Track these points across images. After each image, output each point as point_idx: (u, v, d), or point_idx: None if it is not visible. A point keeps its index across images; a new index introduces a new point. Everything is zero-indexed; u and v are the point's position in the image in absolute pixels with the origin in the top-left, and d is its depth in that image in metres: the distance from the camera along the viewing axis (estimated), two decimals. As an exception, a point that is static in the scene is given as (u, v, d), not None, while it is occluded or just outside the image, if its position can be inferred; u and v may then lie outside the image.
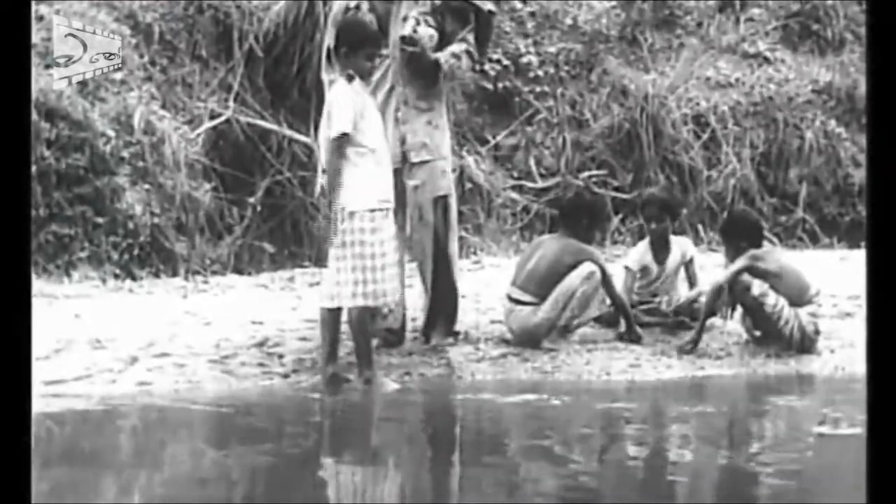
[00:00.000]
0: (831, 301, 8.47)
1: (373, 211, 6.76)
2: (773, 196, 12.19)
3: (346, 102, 6.74)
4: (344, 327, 6.98)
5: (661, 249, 8.16)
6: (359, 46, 6.82)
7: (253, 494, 5.15)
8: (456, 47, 7.38)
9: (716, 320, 7.96)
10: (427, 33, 7.27)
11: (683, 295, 8.12)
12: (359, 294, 6.76)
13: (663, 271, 8.15)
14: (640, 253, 8.22)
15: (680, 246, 8.27)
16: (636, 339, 7.76)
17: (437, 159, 7.38)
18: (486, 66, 7.49)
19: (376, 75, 7.31)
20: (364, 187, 6.75)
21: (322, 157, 6.95)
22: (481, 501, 5.06)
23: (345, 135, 6.70)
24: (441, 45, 7.36)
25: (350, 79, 6.81)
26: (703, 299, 7.86)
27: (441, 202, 7.38)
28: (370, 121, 6.83)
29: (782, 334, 7.65)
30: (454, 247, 7.51)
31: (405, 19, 7.32)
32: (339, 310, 6.88)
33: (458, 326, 7.67)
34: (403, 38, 7.23)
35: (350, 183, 6.73)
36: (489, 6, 7.61)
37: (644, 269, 8.13)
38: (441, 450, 6.21)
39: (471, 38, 7.46)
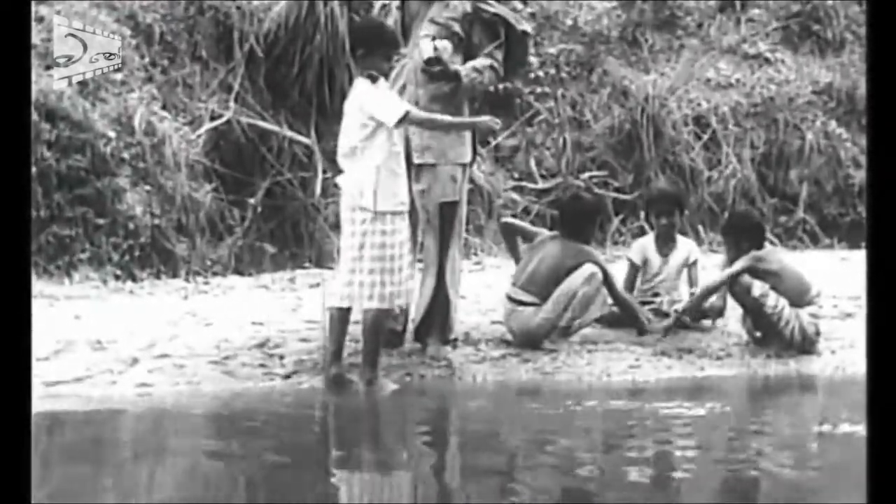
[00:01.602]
0: (832, 302, 8.47)
1: (395, 214, 6.78)
2: (773, 197, 12.19)
3: (386, 93, 6.76)
4: (348, 328, 6.98)
5: (666, 243, 8.17)
6: (376, 48, 6.82)
7: (254, 495, 5.15)
8: (479, 62, 7.29)
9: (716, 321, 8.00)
10: (443, 46, 7.19)
11: (684, 296, 8.12)
12: (375, 296, 6.76)
13: (665, 265, 8.15)
14: (642, 245, 8.24)
15: (686, 246, 8.28)
16: (645, 331, 7.78)
17: (444, 164, 7.30)
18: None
19: (391, 73, 7.29)
20: (392, 189, 6.76)
21: (351, 157, 6.85)
22: (482, 502, 5.05)
23: (408, 112, 6.72)
24: (466, 54, 7.31)
25: (373, 79, 6.80)
26: (713, 299, 7.90)
27: (447, 208, 7.33)
28: None
29: (783, 335, 7.65)
30: (456, 253, 7.45)
31: (429, 28, 7.26)
32: (348, 310, 6.88)
33: (460, 328, 7.66)
34: (429, 61, 7.16)
35: (380, 185, 6.73)
36: (524, 27, 7.53)
37: (646, 262, 8.14)
38: (442, 450, 6.21)
39: (498, 54, 7.34)
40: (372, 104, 6.74)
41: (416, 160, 7.27)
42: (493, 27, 7.37)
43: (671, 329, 7.80)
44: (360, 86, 6.84)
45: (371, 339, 6.88)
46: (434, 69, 7.17)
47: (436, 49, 7.15)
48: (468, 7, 7.34)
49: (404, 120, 6.71)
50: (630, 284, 8.10)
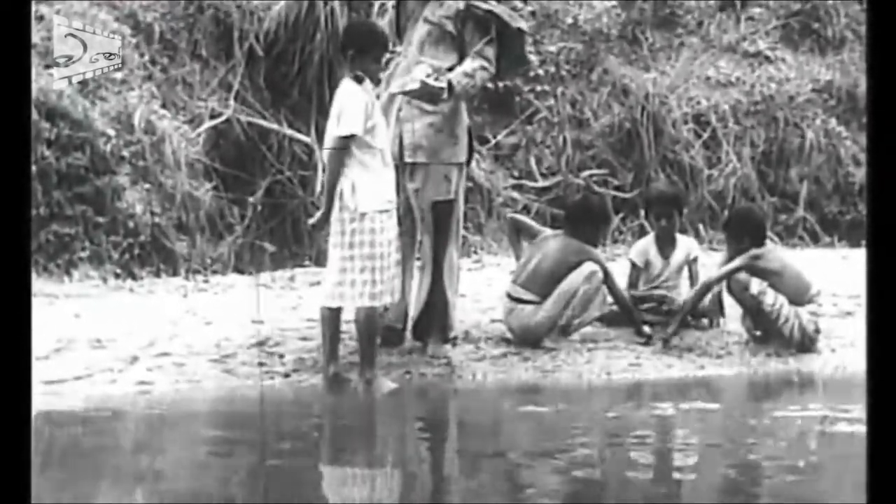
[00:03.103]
0: (832, 300, 8.47)
1: (381, 212, 6.77)
2: (773, 195, 12.19)
3: (358, 103, 6.73)
4: (344, 326, 6.98)
5: (666, 244, 8.15)
6: (367, 49, 6.81)
7: (253, 494, 5.15)
8: (469, 65, 7.23)
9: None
10: (422, 71, 7.14)
11: (684, 294, 8.11)
12: (366, 294, 6.77)
13: (667, 266, 8.14)
14: (643, 247, 8.21)
15: (686, 244, 8.26)
16: (645, 339, 7.76)
17: (436, 163, 7.27)
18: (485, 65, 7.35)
19: (386, 71, 7.27)
20: (374, 188, 6.76)
21: (324, 154, 6.94)
22: (482, 502, 5.05)
23: (352, 136, 6.70)
24: (459, 52, 7.28)
25: (359, 80, 6.80)
26: (705, 301, 7.88)
27: (442, 208, 7.31)
28: (378, 121, 6.84)
29: (782, 333, 7.65)
30: (453, 253, 7.44)
31: (422, 29, 7.25)
32: (339, 309, 6.89)
33: (460, 326, 7.65)
34: (448, 88, 7.12)
35: (361, 184, 6.73)
36: (519, 24, 7.46)
37: (648, 264, 8.13)
38: (441, 449, 6.21)
39: (489, 51, 7.29)
40: (340, 107, 6.76)
41: (407, 158, 7.25)
42: (484, 24, 7.32)
43: (676, 330, 7.77)
44: (344, 86, 6.85)
45: (367, 337, 6.88)
46: (422, 97, 7.13)
47: (436, 78, 7.06)
48: (461, 5, 7.31)
49: (347, 139, 6.70)
50: (634, 286, 8.08)
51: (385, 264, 6.78)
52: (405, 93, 7.11)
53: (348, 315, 6.96)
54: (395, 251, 6.90)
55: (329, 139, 6.83)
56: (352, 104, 6.74)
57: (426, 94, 7.08)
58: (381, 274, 6.77)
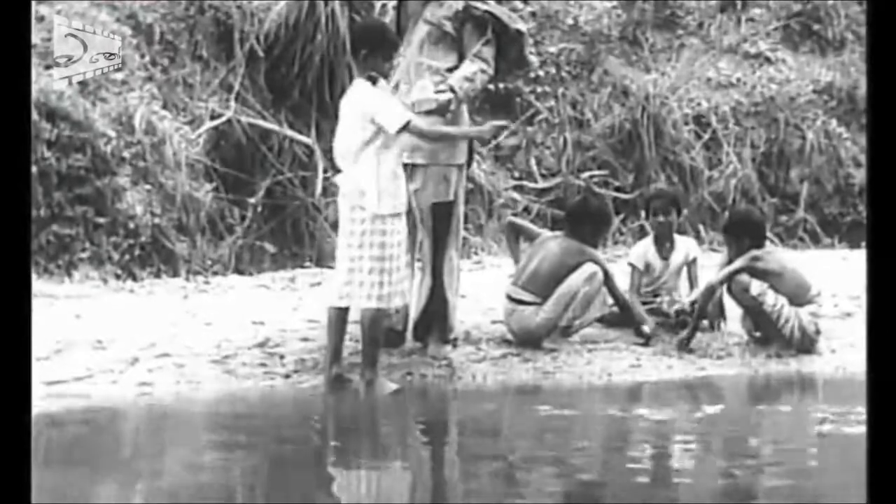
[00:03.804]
0: (832, 301, 8.47)
1: (393, 216, 6.77)
2: (774, 196, 12.21)
3: (390, 97, 6.78)
4: (348, 327, 6.97)
5: (665, 245, 8.15)
6: (378, 48, 6.81)
7: (254, 495, 5.15)
8: (468, 69, 7.23)
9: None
10: (431, 88, 7.16)
11: (684, 295, 8.11)
12: (374, 296, 6.76)
13: (667, 268, 8.14)
14: (643, 249, 8.21)
15: (685, 245, 8.26)
16: (645, 339, 7.75)
17: (435, 164, 7.27)
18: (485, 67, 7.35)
19: None
20: (390, 191, 6.76)
21: (350, 158, 6.84)
22: (482, 502, 5.05)
23: (409, 121, 6.72)
24: (458, 53, 7.29)
25: (374, 81, 6.80)
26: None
27: (441, 209, 7.31)
28: None
29: (782, 334, 7.65)
30: (453, 254, 7.43)
31: (422, 30, 7.26)
32: (346, 309, 6.88)
33: (460, 327, 7.65)
34: (451, 91, 7.16)
35: (379, 186, 6.73)
36: (518, 25, 7.44)
37: (648, 266, 8.12)
38: (442, 450, 6.21)
39: (486, 52, 7.29)
40: (374, 108, 6.73)
41: (405, 159, 7.24)
42: (482, 25, 7.32)
43: (691, 339, 7.74)
44: (361, 87, 6.83)
45: (370, 339, 6.88)
46: (433, 112, 7.15)
47: (440, 91, 7.11)
48: (460, 6, 7.31)
49: (405, 128, 6.71)
50: (636, 290, 8.07)
51: (393, 266, 6.78)
52: (421, 113, 7.11)
53: (352, 316, 6.95)
54: (405, 253, 6.91)
55: (358, 144, 6.78)
56: (385, 100, 6.77)
57: (438, 109, 7.11)
58: (390, 276, 6.77)
